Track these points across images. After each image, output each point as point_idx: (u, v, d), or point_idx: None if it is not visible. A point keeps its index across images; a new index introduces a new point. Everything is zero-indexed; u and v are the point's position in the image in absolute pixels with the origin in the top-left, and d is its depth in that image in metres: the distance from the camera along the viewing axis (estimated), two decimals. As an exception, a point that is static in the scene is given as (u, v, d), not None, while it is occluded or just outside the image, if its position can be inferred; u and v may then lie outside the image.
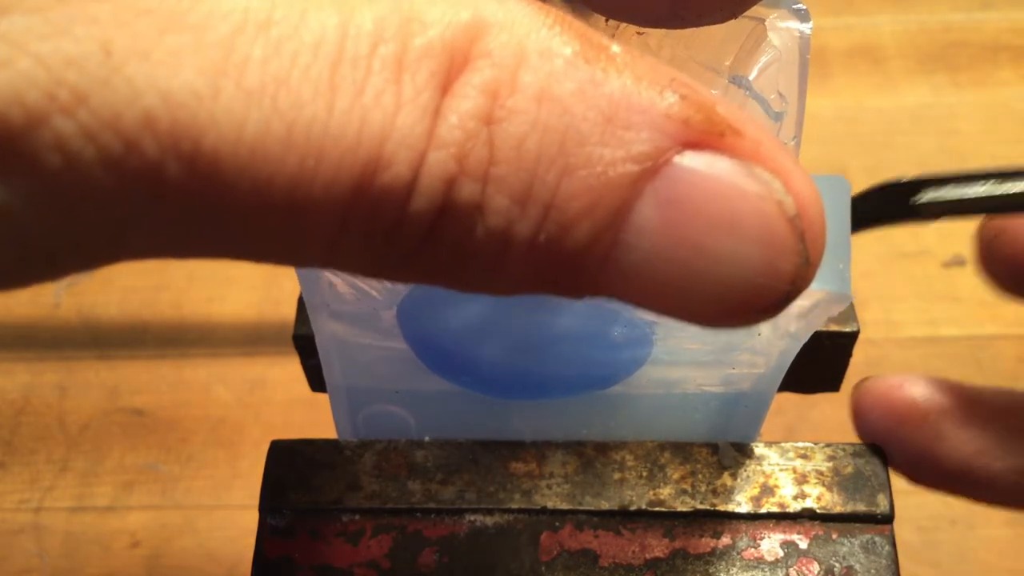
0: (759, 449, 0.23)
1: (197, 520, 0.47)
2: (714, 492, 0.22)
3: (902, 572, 0.21)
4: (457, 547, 0.22)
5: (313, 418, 0.48)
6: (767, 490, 0.22)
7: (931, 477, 0.23)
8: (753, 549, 0.22)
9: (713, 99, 0.13)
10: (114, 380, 0.52)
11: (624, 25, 0.17)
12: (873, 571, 0.21)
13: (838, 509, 0.22)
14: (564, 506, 0.22)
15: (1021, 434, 0.22)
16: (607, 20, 0.17)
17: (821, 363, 0.26)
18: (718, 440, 0.23)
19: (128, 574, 0.46)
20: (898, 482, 0.23)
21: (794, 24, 0.19)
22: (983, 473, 0.22)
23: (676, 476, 0.22)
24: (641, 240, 0.13)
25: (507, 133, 0.12)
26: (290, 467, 0.23)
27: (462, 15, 0.12)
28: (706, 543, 0.22)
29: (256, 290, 0.55)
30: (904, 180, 0.19)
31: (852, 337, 0.26)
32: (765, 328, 0.21)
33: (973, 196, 0.19)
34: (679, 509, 0.22)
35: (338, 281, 0.20)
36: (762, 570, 0.21)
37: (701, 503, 0.22)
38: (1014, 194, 0.19)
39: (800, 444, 0.23)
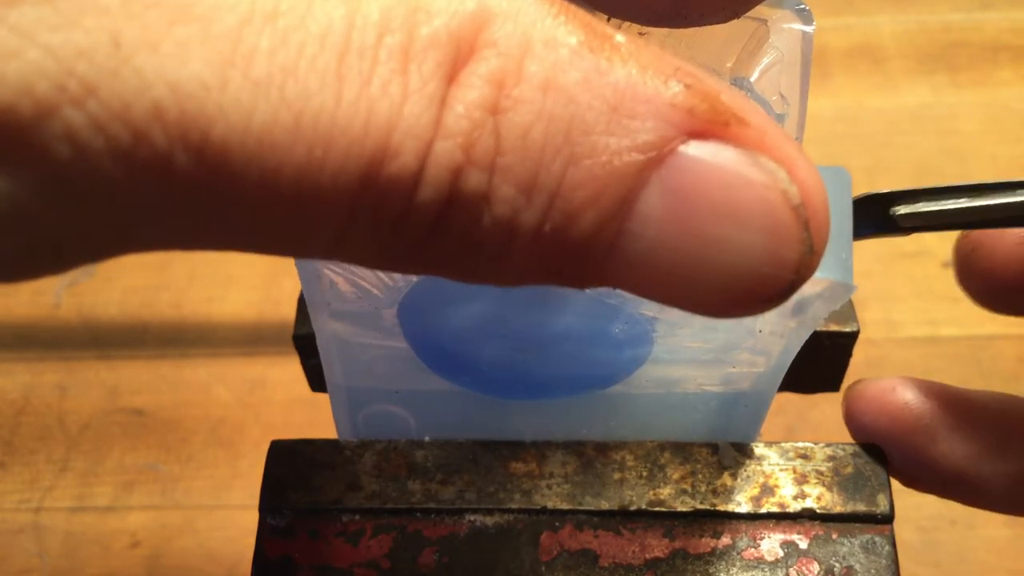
0: (759, 449, 0.23)
1: (197, 520, 0.48)
2: (714, 492, 0.22)
3: (902, 572, 0.21)
4: (457, 547, 0.22)
5: (313, 418, 0.48)
6: (767, 490, 0.22)
7: (924, 481, 0.23)
8: (753, 549, 0.22)
9: (718, 88, 0.13)
10: (114, 380, 0.52)
11: (627, 25, 0.17)
12: (873, 571, 0.21)
13: (838, 509, 0.22)
14: (564, 506, 0.22)
15: (1013, 439, 0.22)
16: (609, 19, 0.17)
17: (821, 363, 0.26)
18: (718, 440, 0.23)
19: (128, 574, 0.46)
20: (898, 482, 0.24)
21: (797, 25, 0.19)
22: (975, 478, 0.22)
23: (676, 476, 0.22)
24: (646, 229, 0.13)
25: (513, 123, 0.12)
26: (290, 467, 0.23)
27: (468, 5, 0.12)
28: (706, 543, 0.22)
29: (256, 290, 0.55)
30: (880, 193, 0.19)
31: (852, 337, 0.26)
32: (766, 325, 0.21)
33: (948, 209, 0.19)
34: (679, 509, 0.22)
35: (339, 280, 0.20)
36: (762, 570, 0.21)
37: (701, 503, 0.22)
38: (988, 207, 0.19)
39: (800, 444, 0.23)
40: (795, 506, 0.22)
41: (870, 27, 0.65)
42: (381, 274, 0.20)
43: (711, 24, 0.17)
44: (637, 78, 0.12)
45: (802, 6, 0.19)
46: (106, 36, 0.11)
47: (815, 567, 0.21)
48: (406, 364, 0.22)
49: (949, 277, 0.56)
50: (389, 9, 0.12)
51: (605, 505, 0.22)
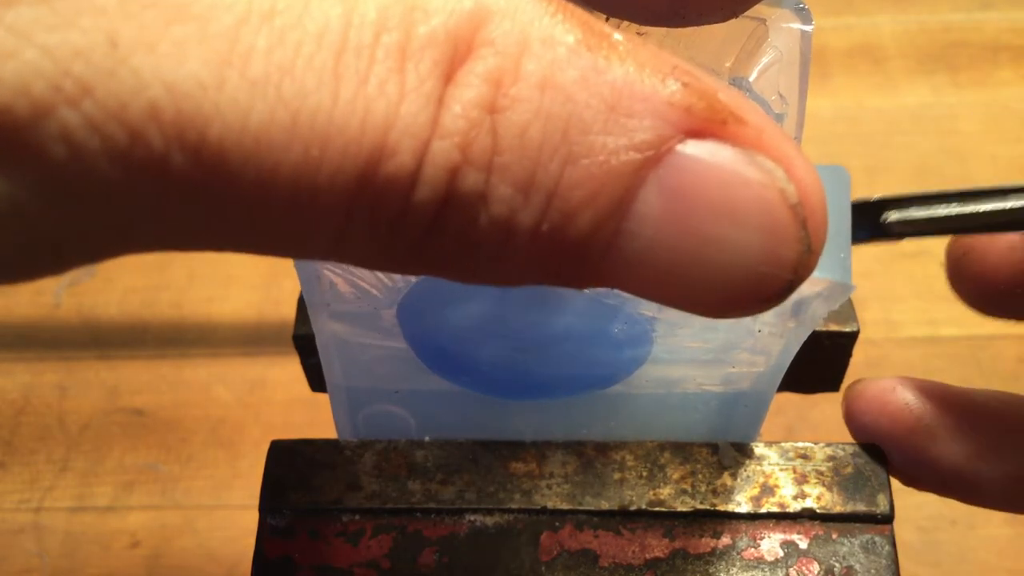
0: (759, 449, 0.23)
1: (197, 520, 0.48)
2: (714, 492, 0.22)
3: (902, 572, 0.21)
4: (457, 547, 0.22)
5: (313, 418, 0.48)
6: (767, 490, 0.22)
7: (923, 480, 0.23)
8: (753, 549, 0.22)
9: (716, 86, 0.13)
10: (114, 380, 0.52)
11: (625, 24, 0.17)
12: (873, 571, 0.21)
13: (838, 509, 0.22)
14: (564, 506, 0.22)
15: (1012, 438, 0.22)
16: (608, 18, 0.17)
17: (821, 363, 0.26)
18: (718, 440, 0.23)
19: (128, 574, 0.46)
20: (898, 482, 0.23)
21: (796, 24, 0.19)
22: (975, 477, 0.22)
23: (676, 476, 0.22)
24: (644, 229, 0.13)
25: (510, 122, 0.12)
26: (290, 467, 0.23)
27: (465, 3, 0.12)
28: (706, 543, 0.22)
29: (256, 290, 0.55)
30: (870, 200, 0.19)
31: (852, 337, 0.26)
32: (766, 325, 0.21)
33: (939, 216, 0.19)
34: (679, 509, 0.22)
35: (339, 280, 0.20)
36: (762, 570, 0.21)
37: (701, 503, 0.22)
38: (979, 214, 0.19)
39: (800, 444, 0.23)
40: (795, 506, 0.22)
41: (870, 27, 0.65)
42: (380, 274, 0.20)
43: (709, 23, 0.17)
44: (635, 76, 0.12)
45: (801, 5, 0.19)
46: (103, 36, 0.11)
47: (815, 567, 0.21)
48: (406, 364, 0.22)
49: (949, 277, 0.55)
50: (386, 8, 0.12)
51: (605, 505, 0.22)
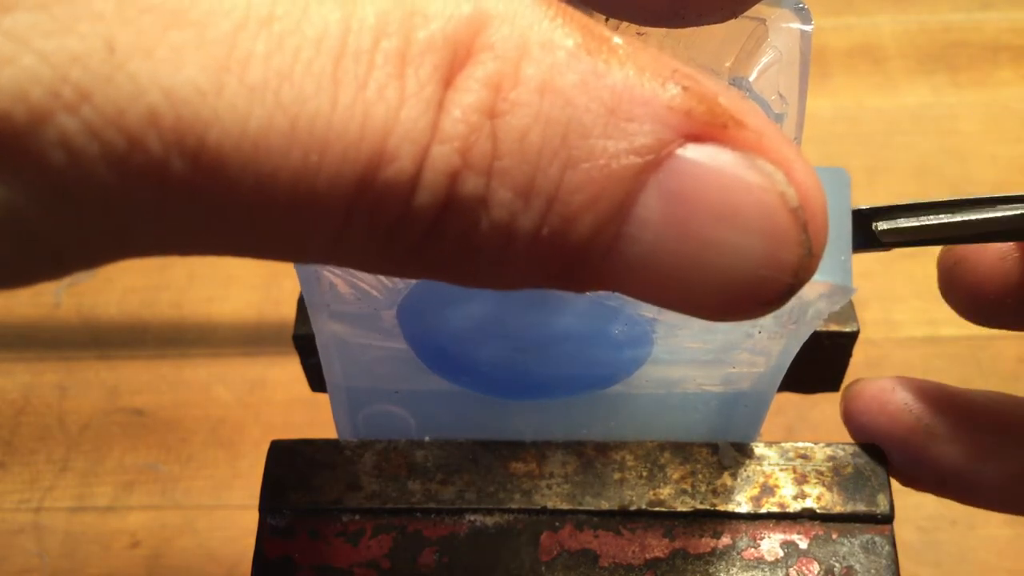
0: (759, 449, 0.23)
1: (197, 520, 0.48)
2: (714, 492, 0.22)
3: (902, 572, 0.21)
4: (457, 547, 0.22)
5: (313, 418, 0.48)
6: (767, 490, 0.22)
7: (922, 481, 0.23)
8: (753, 549, 0.22)
9: (716, 90, 0.13)
10: (114, 380, 0.52)
11: (624, 24, 0.17)
12: (873, 571, 0.21)
13: (838, 509, 0.22)
14: (564, 506, 0.22)
15: (1012, 439, 0.22)
16: (607, 19, 0.17)
17: (821, 363, 0.26)
18: (718, 440, 0.23)
19: (128, 574, 0.46)
20: (897, 482, 0.23)
21: (795, 24, 0.19)
22: (974, 477, 0.22)
23: (676, 476, 0.22)
24: (644, 233, 0.13)
25: (510, 126, 0.12)
26: (290, 467, 0.23)
27: (464, 8, 0.12)
28: (706, 543, 0.22)
29: (256, 290, 0.55)
30: (859, 209, 0.19)
31: (852, 337, 0.26)
32: (766, 325, 0.21)
33: (927, 225, 0.19)
34: (679, 509, 0.22)
35: (339, 281, 0.20)
36: (762, 570, 0.21)
37: (701, 503, 0.22)
38: (968, 223, 0.19)
39: (800, 444, 0.23)
40: (795, 506, 0.22)
41: (870, 27, 0.65)
42: (380, 276, 0.20)
43: (709, 24, 0.17)
44: (635, 80, 0.12)
45: (801, 5, 0.19)
46: (100, 42, 0.11)
47: (815, 567, 0.21)
48: (406, 364, 0.22)
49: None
50: (385, 13, 0.12)
51: (605, 505, 0.22)
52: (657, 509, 0.22)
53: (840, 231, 0.19)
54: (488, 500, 0.22)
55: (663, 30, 0.19)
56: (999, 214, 0.19)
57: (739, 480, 0.22)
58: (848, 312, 0.26)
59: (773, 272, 0.13)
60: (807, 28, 0.19)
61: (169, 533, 0.47)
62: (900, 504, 0.22)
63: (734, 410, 0.23)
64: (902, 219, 0.19)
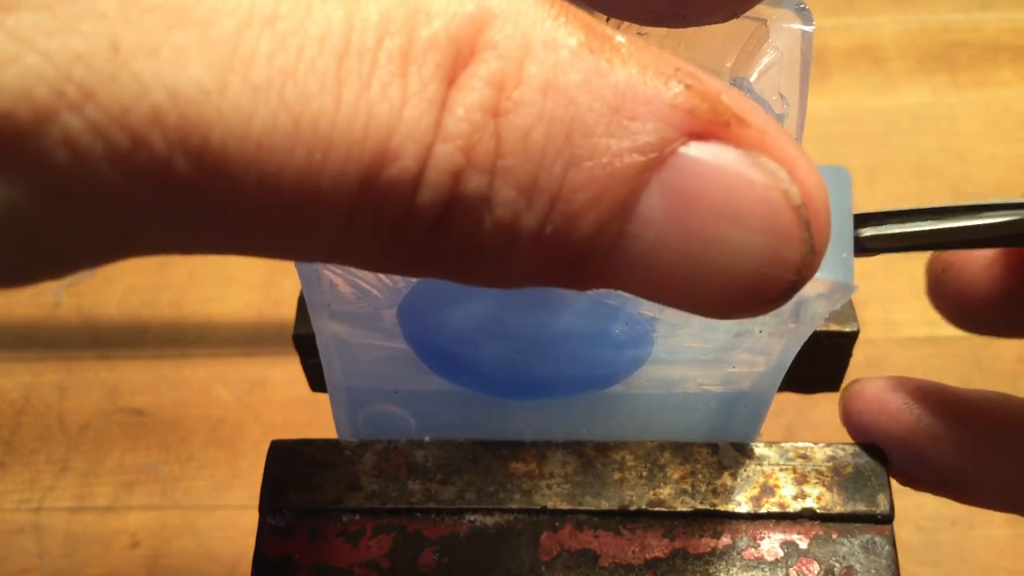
0: (759, 449, 0.23)
1: (197, 520, 0.48)
2: (714, 492, 0.22)
3: (902, 572, 0.21)
4: (457, 547, 0.22)
5: (313, 418, 0.48)
6: (767, 490, 0.22)
7: (922, 480, 0.23)
8: (753, 549, 0.22)
9: (718, 88, 0.13)
10: (114, 380, 0.52)
11: (625, 25, 0.17)
12: (873, 571, 0.21)
13: (838, 509, 0.22)
14: (564, 506, 0.22)
15: (1011, 439, 0.22)
16: (608, 19, 0.17)
17: (821, 363, 0.26)
18: (718, 440, 0.23)
19: (128, 574, 0.46)
20: (897, 482, 0.23)
21: (796, 25, 0.19)
22: (974, 477, 0.22)
23: (676, 476, 0.22)
24: (647, 231, 0.13)
25: (513, 125, 0.12)
26: (290, 467, 0.23)
27: (467, 6, 0.12)
28: (706, 543, 0.22)
29: (256, 290, 0.55)
30: None
31: (852, 337, 0.26)
32: (766, 325, 0.21)
33: (913, 232, 0.19)
34: (679, 509, 0.22)
35: (339, 281, 0.20)
36: (762, 570, 0.21)
37: (701, 503, 0.22)
38: (953, 230, 0.19)
39: (800, 444, 0.23)
40: (795, 506, 0.22)
41: (870, 27, 0.65)
42: (381, 275, 0.20)
43: (710, 24, 0.17)
44: (637, 79, 0.12)
45: (802, 6, 0.19)
46: (104, 41, 0.11)
47: (815, 567, 0.21)
48: (406, 364, 0.22)
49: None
50: (388, 11, 0.12)
51: (605, 505, 0.22)
52: (657, 509, 0.22)
53: (841, 229, 0.19)
54: (488, 500, 0.22)
55: (664, 30, 0.19)
56: (983, 221, 0.19)
57: (739, 480, 0.22)
58: (848, 312, 0.26)
59: (776, 270, 0.13)
60: (808, 28, 0.19)
61: (169, 533, 0.47)
62: (900, 504, 0.22)
63: (734, 410, 0.23)
64: (888, 226, 0.19)
